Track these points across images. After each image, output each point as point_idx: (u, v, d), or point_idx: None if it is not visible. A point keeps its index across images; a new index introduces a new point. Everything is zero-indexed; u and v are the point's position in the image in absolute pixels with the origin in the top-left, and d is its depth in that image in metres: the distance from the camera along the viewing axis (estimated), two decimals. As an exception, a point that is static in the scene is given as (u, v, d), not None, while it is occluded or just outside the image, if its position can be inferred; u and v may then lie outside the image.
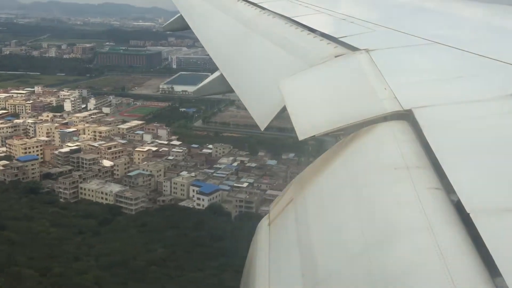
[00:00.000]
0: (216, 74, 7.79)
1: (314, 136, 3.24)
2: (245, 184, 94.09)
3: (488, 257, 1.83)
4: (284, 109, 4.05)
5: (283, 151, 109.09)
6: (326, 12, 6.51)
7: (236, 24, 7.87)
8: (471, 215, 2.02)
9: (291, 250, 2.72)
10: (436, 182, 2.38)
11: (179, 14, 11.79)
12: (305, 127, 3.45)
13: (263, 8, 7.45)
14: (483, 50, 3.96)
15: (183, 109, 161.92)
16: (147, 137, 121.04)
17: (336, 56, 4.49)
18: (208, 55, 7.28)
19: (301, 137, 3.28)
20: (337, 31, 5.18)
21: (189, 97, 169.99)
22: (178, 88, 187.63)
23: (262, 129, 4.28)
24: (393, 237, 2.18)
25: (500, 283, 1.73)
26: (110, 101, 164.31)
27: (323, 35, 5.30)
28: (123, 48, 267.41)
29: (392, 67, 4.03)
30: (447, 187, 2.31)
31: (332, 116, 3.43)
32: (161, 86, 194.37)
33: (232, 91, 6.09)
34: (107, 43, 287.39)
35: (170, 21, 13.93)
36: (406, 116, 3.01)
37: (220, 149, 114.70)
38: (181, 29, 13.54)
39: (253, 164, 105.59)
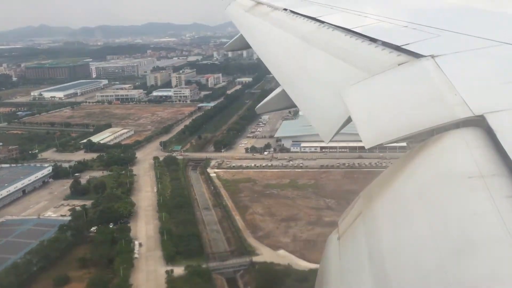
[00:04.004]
0: (278, 90, 7.83)
1: (381, 144, 3.18)
2: None
3: None
4: (348, 121, 4.00)
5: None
6: (387, 21, 6.40)
7: (296, 39, 7.91)
8: None
9: (363, 264, 2.66)
10: None
11: (239, 34, 12.03)
12: (371, 135, 3.39)
13: (322, 22, 7.44)
14: None
15: (19, 112, 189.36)
16: None
17: (399, 64, 4.39)
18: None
19: (367, 145, 3.23)
20: (399, 39, 5.06)
21: (49, 101, 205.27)
22: (48, 94, 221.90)
23: (327, 142, 4.25)
24: (471, 249, 2.08)
25: None
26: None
27: (385, 44, 5.20)
28: (49, 62, 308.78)
29: (460, 72, 3.87)
30: None
31: (399, 124, 3.34)
32: (32, 94, 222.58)
33: (294, 106, 6.09)
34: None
35: (230, 41, 14.27)
36: (478, 122, 2.88)
37: None
38: (241, 49, 13.82)
39: None
